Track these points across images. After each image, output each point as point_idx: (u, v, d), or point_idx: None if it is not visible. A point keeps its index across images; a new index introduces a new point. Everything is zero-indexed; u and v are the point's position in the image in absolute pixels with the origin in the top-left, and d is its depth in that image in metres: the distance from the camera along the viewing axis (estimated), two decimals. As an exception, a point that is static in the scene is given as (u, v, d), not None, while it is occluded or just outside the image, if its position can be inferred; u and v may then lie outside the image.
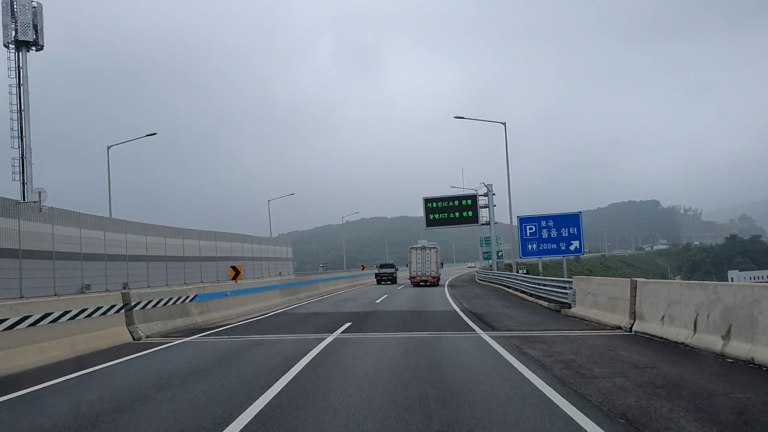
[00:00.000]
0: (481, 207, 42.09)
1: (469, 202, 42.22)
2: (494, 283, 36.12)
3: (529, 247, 25.27)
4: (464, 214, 42.16)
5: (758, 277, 73.08)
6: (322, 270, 68.64)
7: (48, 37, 37.16)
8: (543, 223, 24.99)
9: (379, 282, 44.51)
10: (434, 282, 37.90)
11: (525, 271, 32.85)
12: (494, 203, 41.45)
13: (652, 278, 19.63)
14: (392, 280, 44.58)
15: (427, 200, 43.09)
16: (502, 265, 49.19)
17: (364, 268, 55.04)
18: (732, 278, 69.71)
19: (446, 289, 32.96)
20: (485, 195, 41.79)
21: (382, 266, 47.31)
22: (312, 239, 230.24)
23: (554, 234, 24.65)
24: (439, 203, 42.69)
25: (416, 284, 37.59)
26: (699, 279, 41.64)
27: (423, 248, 39.13)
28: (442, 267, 42.28)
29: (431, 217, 43.07)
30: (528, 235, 25.16)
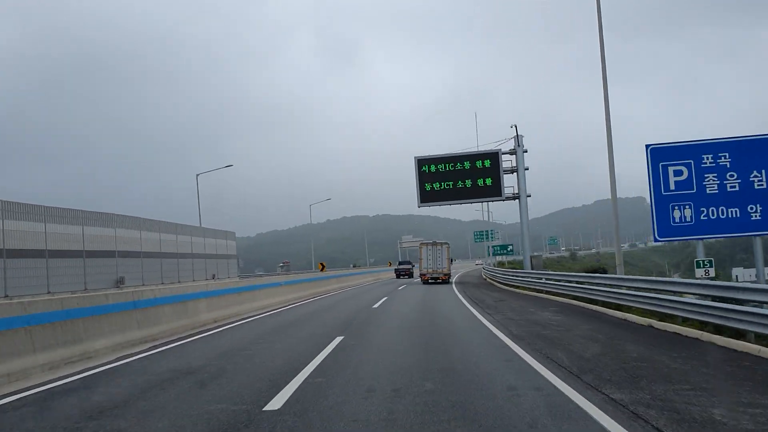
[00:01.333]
0: (506, 172, 27.81)
1: (488, 163, 28.48)
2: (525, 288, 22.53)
3: (677, 216, 10.88)
4: (480, 182, 28.26)
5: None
6: (282, 271, 55.67)
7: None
8: (708, 161, 10.75)
9: (398, 276, 49.40)
10: (446, 279, 35.46)
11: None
12: (525, 165, 27.28)
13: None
14: (409, 274, 48.79)
15: (421, 162, 28.91)
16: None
17: (324, 267, 39.95)
18: (737, 276, 56.54)
19: (472, 309, 17.80)
20: (511, 152, 27.51)
21: (401, 263, 54.89)
22: (290, 239, 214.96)
23: (735, 185, 10.45)
24: (440, 166, 28.48)
25: (426, 281, 35.22)
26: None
27: (434, 244, 36.56)
28: (452, 263, 39.00)
29: (427, 187, 30.04)
30: (674, 187, 10.87)
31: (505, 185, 28.74)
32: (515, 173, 28.41)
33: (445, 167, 29.29)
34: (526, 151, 28.17)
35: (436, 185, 29.76)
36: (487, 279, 38.18)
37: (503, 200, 29.51)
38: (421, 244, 37.02)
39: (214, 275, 40.27)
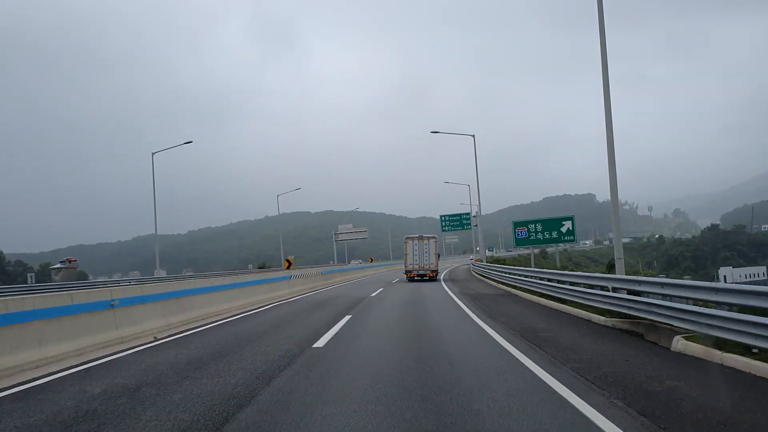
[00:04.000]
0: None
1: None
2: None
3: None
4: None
5: (754, 275, 64.21)
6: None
7: None
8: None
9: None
10: (433, 276, 33.37)
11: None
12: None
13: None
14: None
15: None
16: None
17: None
18: (725, 276, 58.31)
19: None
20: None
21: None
22: (225, 236, 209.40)
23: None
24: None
25: (411, 279, 33.34)
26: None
27: (420, 238, 34.09)
28: (439, 258, 36.19)
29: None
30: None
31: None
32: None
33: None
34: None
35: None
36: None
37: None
38: (407, 238, 34.84)
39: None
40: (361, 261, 74.48)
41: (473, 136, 38.86)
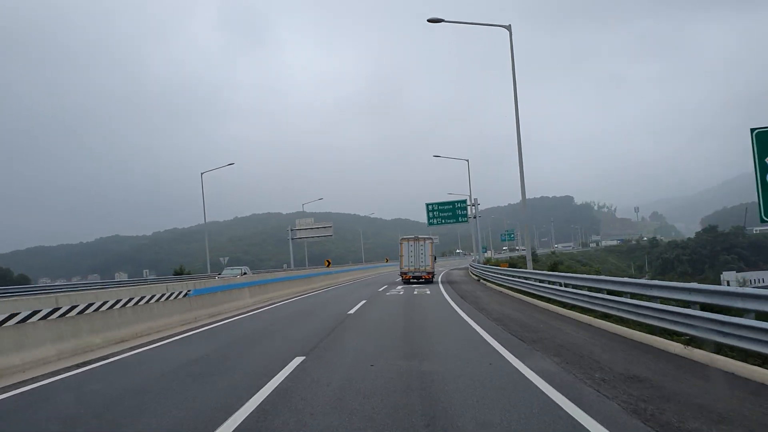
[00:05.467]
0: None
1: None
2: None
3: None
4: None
5: (760, 280, 58.45)
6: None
7: None
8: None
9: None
10: (429, 278, 32.79)
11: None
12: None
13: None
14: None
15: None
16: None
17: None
18: (728, 281, 52.16)
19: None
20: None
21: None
22: (191, 237, 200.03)
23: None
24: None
25: (407, 281, 32.56)
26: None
27: (416, 239, 33.77)
28: (435, 261, 35.53)
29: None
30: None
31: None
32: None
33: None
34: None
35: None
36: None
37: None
38: (402, 239, 33.93)
39: None
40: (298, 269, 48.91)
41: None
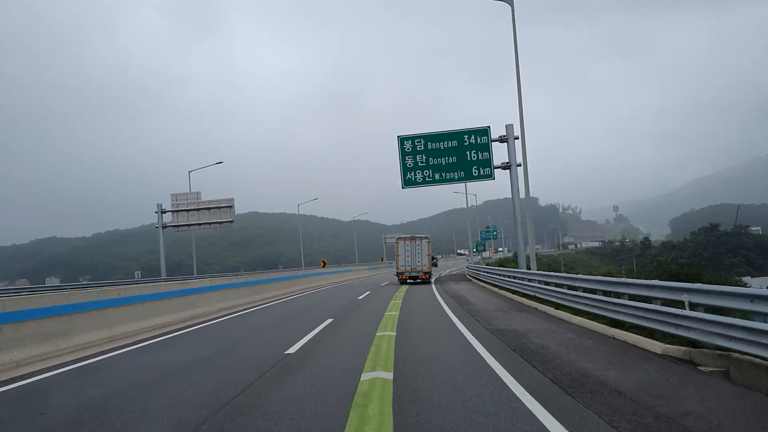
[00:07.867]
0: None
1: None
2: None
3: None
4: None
5: None
6: None
7: None
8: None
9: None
10: (426, 278, 32.93)
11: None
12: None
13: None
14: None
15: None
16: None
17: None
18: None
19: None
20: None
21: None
22: (133, 239, 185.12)
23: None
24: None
25: (404, 281, 32.95)
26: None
27: (412, 239, 33.52)
28: (433, 261, 35.52)
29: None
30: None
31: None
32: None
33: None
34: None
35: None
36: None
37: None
38: (398, 238, 34.47)
39: None
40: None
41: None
